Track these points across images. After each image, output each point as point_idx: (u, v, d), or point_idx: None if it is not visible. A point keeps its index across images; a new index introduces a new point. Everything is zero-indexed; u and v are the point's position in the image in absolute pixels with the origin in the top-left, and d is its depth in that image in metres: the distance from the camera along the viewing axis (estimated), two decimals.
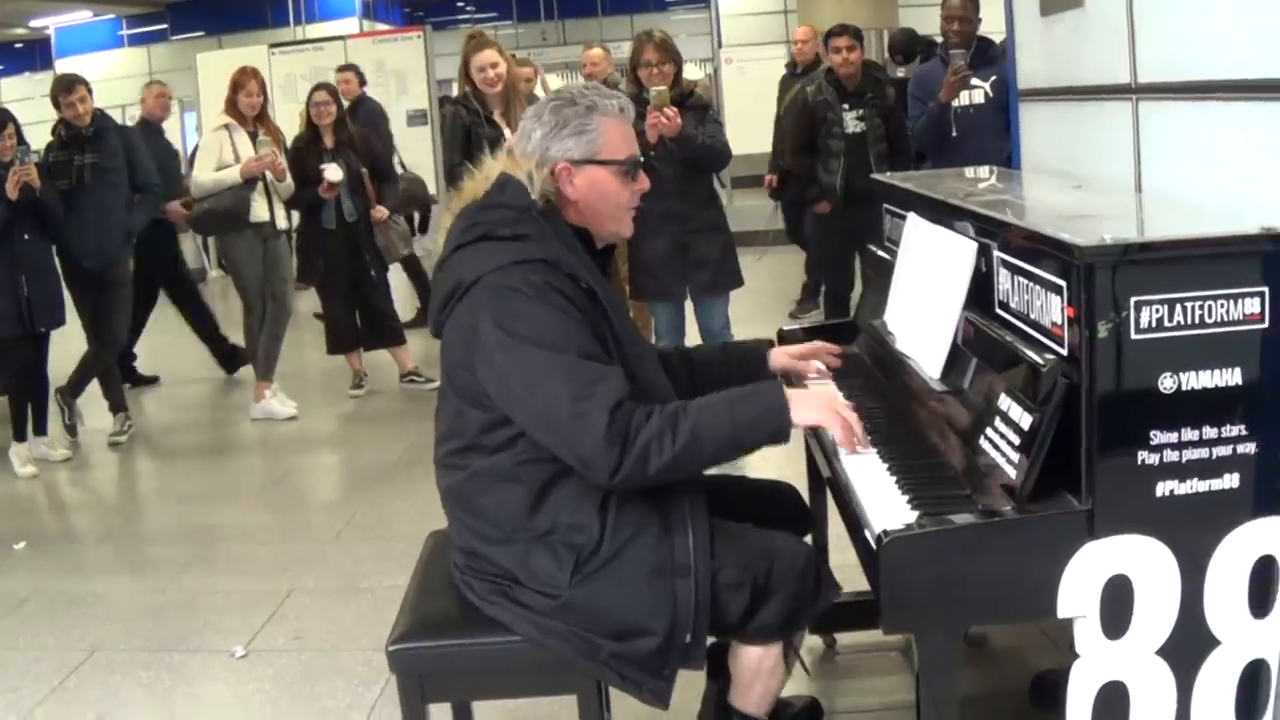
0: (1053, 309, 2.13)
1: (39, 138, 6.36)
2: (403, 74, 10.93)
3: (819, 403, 2.48)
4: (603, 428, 2.19)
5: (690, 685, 2.51)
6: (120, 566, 4.67)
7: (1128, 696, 2.10)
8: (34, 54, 23.24)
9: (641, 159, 2.54)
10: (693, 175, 5.21)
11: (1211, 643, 2.10)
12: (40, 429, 6.16)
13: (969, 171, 3.97)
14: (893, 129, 6.46)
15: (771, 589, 2.36)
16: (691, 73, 6.14)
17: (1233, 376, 2.02)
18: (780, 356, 2.89)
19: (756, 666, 2.46)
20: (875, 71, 6.72)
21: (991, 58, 5.75)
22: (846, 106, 6.40)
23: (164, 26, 21.85)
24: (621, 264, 5.58)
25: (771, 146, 8.46)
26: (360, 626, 3.87)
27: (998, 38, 5.69)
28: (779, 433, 2.33)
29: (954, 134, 5.72)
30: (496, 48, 5.88)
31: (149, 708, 3.48)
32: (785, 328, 3.52)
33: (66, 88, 6.13)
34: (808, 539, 2.92)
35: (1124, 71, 2.89)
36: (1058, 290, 2.10)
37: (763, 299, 5.71)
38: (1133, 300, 1.98)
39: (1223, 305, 2.00)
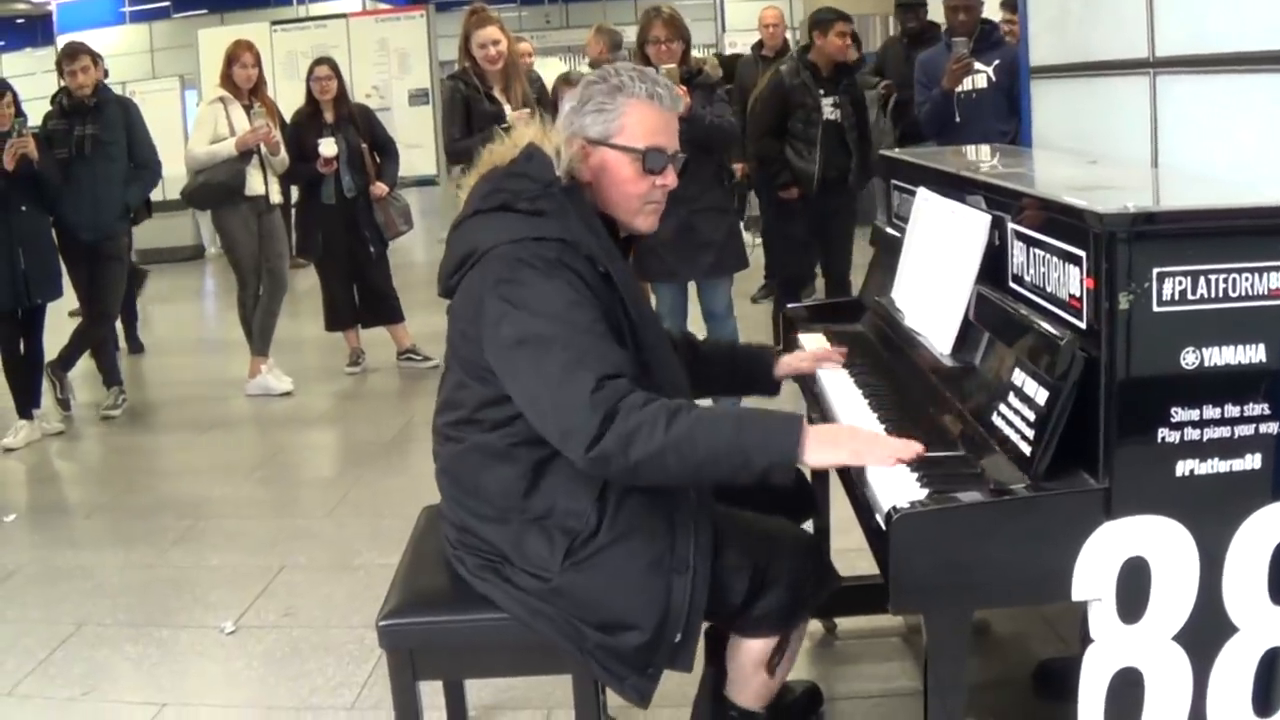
0: (1071, 281, 2.05)
1: (39, 112, 6.31)
2: (405, 53, 10.90)
3: (853, 437, 2.19)
4: (586, 393, 2.07)
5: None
6: (110, 540, 4.60)
7: (1143, 683, 2.03)
8: (35, 29, 23.14)
9: (672, 152, 2.37)
10: (699, 155, 5.12)
11: (1229, 629, 2.03)
12: (35, 401, 6.11)
13: (978, 149, 3.90)
14: (861, 119, 6.38)
15: (772, 577, 2.31)
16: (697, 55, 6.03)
17: (1257, 353, 1.94)
18: (787, 363, 2.82)
19: (757, 661, 2.41)
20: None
21: (994, 41, 5.73)
22: (823, 92, 6.31)
23: (166, 3, 21.83)
24: None
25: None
26: (352, 604, 3.81)
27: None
28: (783, 463, 2.09)
29: (957, 119, 5.68)
30: (498, 24, 5.84)
31: (136, 682, 3.41)
32: (790, 306, 3.47)
33: (70, 55, 6.11)
34: (809, 524, 2.87)
35: (1141, 45, 2.83)
36: (1076, 261, 2.02)
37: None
38: (1155, 272, 1.90)
39: (1247, 278, 1.92)
